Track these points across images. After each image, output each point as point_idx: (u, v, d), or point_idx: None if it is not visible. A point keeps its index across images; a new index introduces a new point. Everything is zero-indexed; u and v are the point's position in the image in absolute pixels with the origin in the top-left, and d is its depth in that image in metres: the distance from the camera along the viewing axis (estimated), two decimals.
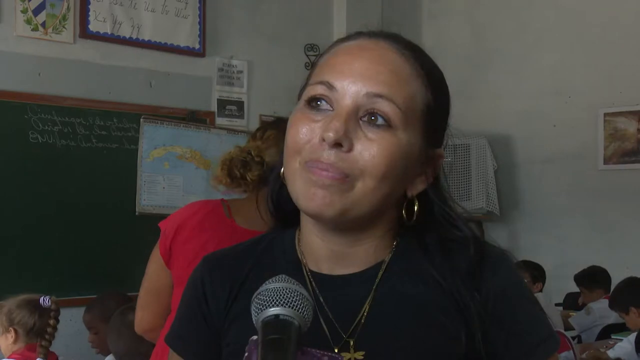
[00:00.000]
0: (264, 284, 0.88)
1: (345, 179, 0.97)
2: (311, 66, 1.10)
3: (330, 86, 1.00)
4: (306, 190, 0.99)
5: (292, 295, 0.86)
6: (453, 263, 1.05)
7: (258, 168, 2.09)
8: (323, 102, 1.01)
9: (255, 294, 0.88)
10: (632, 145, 5.26)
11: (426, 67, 1.05)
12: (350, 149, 0.97)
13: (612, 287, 4.59)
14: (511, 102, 5.74)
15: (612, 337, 4.29)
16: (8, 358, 3.00)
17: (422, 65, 1.04)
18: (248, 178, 2.09)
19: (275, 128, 2.16)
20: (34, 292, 3.14)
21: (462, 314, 1.02)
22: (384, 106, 0.99)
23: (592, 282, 4.88)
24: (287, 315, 0.85)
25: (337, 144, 0.97)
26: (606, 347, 3.99)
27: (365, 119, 0.99)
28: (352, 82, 0.99)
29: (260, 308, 0.86)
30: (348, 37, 1.08)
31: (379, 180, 0.98)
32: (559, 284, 5.03)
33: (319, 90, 1.01)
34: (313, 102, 1.02)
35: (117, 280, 4.45)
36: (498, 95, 5.82)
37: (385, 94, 0.99)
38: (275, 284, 0.87)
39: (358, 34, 1.07)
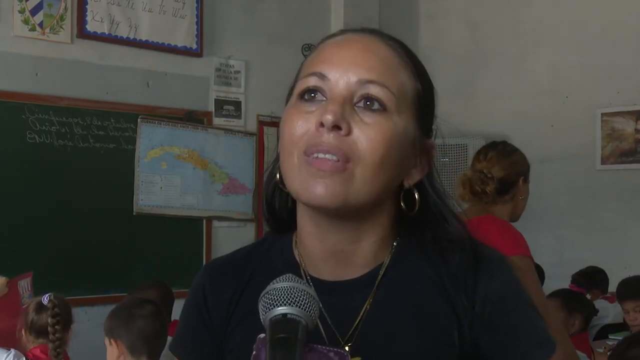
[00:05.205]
0: (271, 283, 0.89)
1: (347, 165, 0.97)
2: (300, 66, 1.10)
3: (322, 76, 1.00)
4: (307, 183, 0.98)
5: (299, 294, 0.87)
6: (450, 264, 1.05)
7: (492, 182, 2.69)
8: (317, 94, 1.01)
9: (263, 293, 0.88)
10: (630, 145, 5.26)
11: (412, 58, 1.06)
12: (348, 132, 0.97)
13: (609, 288, 4.58)
14: (509, 102, 5.73)
15: (610, 337, 4.28)
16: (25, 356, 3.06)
17: (408, 56, 1.05)
18: (487, 191, 2.68)
19: (494, 149, 2.80)
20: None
21: (457, 316, 1.02)
22: (378, 91, 0.99)
23: (590, 283, 4.86)
24: (294, 314, 0.86)
25: (335, 127, 0.97)
26: (604, 347, 3.98)
27: (361, 104, 0.99)
28: (343, 70, 1.00)
29: (268, 307, 0.87)
30: (334, 34, 1.08)
31: (377, 166, 0.98)
32: (556, 284, 5.01)
33: (311, 82, 1.01)
34: (306, 95, 1.02)
35: (114, 279, 4.46)
36: (495, 95, 5.82)
37: (377, 80, 0.99)
38: (283, 284, 0.88)
39: (343, 31, 1.08)
